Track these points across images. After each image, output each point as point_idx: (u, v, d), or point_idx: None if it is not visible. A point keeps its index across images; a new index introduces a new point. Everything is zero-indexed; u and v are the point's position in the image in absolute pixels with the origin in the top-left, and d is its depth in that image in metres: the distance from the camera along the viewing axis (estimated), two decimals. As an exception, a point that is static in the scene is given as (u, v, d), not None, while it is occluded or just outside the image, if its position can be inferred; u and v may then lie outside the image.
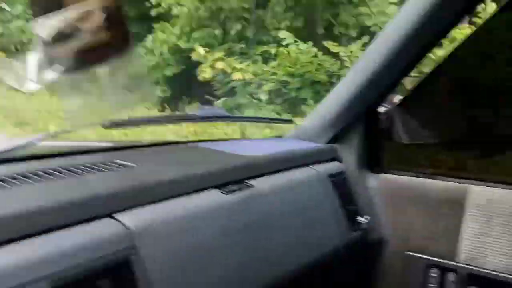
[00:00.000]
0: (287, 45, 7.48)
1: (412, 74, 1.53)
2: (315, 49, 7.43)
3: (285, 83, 7.56)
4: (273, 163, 1.41)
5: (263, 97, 7.69)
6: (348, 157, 1.64)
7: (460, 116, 1.60)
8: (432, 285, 1.50)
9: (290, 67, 7.48)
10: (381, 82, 1.48)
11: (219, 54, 7.82)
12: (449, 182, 1.51)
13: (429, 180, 1.54)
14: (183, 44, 9.09)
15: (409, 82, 1.58)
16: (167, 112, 8.67)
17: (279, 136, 1.76)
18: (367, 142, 1.63)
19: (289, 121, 1.80)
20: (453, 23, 1.33)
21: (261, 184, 1.30)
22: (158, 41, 9.42)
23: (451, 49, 1.50)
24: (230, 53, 8.47)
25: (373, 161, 1.66)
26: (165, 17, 9.52)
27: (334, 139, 1.64)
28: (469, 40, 1.44)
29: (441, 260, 1.49)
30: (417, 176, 1.58)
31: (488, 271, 1.41)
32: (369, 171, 1.66)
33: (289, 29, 8.23)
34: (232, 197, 1.18)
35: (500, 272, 1.39)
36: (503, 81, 1.54)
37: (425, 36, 1.34)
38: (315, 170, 1.50)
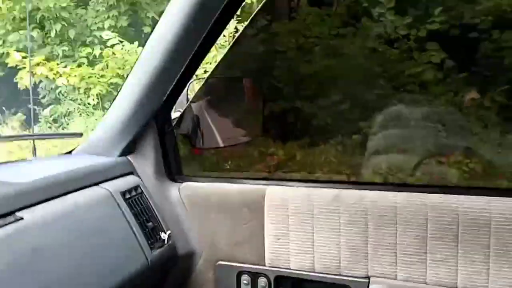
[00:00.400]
0: (112, 46, 7.11)
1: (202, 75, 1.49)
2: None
3: (115, 85, 7.21)
4: (54, 186, 1.25)
5: (92, 101, 7.24)
6: (145, 168, 1.53)
7: (254, 116, 1.60)
8: None
9: (119, 68, 7.15)
10: (163, 86, 1.39)
11: (39, 58, 7.11)
12: (249, 185, 1.50)
13: (229, 185, 1.51)
14: (2, 48, 8.11)
15: (199, 85, 1.52)
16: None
17: (69, 152, 1.57)
18: (162, 150, 1.54)
19: (79, 135, 1.62)
20: (224, 20, 1.29)
21: (34, 214, 1.14)
22: None
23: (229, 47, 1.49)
24: (52, 56, 7.82)
25: (171, 170, 1.57)
26: None
27: (128, 151, 1.52)
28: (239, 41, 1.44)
29: (251, 266, 1.48)
30: (218, 182, 1.55)
31: (294, 271, 1.43)
32: (169, 180, 1.57)
33: (113, 28, 7.86)
34: None
35: (304, 271, 1.42)
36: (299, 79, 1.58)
37: (198, 34, 1.28)
38: (105, 188, 1.36)
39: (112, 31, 7.49)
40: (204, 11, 1.22)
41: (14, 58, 6.82)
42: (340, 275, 1.38)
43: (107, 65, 7.27)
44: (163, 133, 1.53)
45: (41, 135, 2.06)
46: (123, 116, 1.43)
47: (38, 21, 8.15)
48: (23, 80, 6.99)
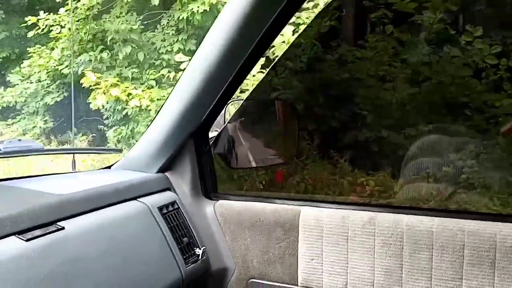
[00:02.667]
0: (184, 69, 6.97)
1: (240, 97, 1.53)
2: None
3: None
4: (94, 198, 1.30)
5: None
6: (181, 185, 1.57)
7: (289, 139, 1.62)
8: None
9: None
10: (203, 106, 1.44)
11: (114, 79, 7.14)
12: (283, 205, 1.51)
13: (264, 204, 1.53)
14: (67, 69, 8.21)
15: (236, 106, 1.56)
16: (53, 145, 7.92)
17: (108, 167, 1.63)
18: (200, 168, 1.58)
19: (118, 151, 1.68)
20: (263, 45, 1.33)
21: (75, 224, 1.19)
22: (37, 66, 8.47)
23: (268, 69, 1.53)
24: (120, 79, 7.74)
25: (207, 188, 1.61)
26: (43, 39, 8.59)
27: (165, 168, 1.57)
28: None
29: (283, 285, 1.49)
30: (252, 201, 1.56)
31: None
32: (204, 198, 1.60)
33: (182, 51, 7.66)
34: (34, 244, 1.06)
35: None
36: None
37: (239, 57, 1.32)
38: (143, 203, 1.40)
39: (183, 54, 7.40)
40: (245, 35, 1.27)
41: (89, 79, 6.85)
42: None
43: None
44: (200, 152, 1.57)
45: (82, 150, 2.14)
46: (162, 134, 1.48)
47: (107, 43, 8.17)
48: (96, 101, 6.97)
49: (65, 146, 7.89)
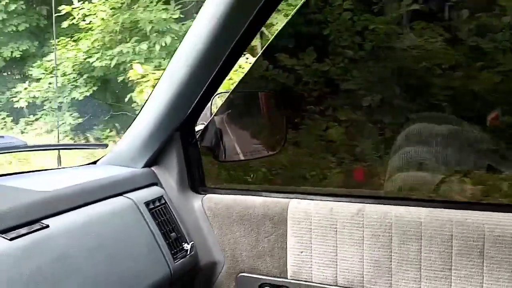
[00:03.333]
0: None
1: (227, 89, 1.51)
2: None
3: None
4: (79, 195, 1.28)
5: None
6: (168, 179, 1.55)
7: (277, 130, 1.61)
8: None
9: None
10: (189, 99, 1.42)
11: (160, 73, 6.66)
12: (271, 198, 1.50)
13: (252, 197, 1.52)
14: (99, 62, 7.59)
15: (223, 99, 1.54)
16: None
17: (94, 163, 1.60)
18: (187, 162, 1.56)
19: (104, 146, 1.65)
20: (250, 35, 1.31)
21: (60, 222, 1.17)
22: (65, 60, 7.90)
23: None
24: (160, 70, 7.04)
25: (195, 182, 1.59)
26: (69, 31, 7.96)
27: (152, 163, 1.54)
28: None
29: (273, 278, 1.48)
30: (241, 194, 1.55)
31: (316, 284, 1.42)
32: (192, 192, 1.59)
33: None
34: (18, 243, 1.04)
35: (326, 284, 1.41)
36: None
37: (223, 49, 1.31)
38: (130, 198, 1.38)
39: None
40: (230, 26, 1.25)
41: (136, 72, 6.14)
42: None
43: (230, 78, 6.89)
44: (187, 146, 1.55)
45: (66, 145, 2.11)
46: (148, 128, 1.46)
47: (144, 34, 7.57)
48: (142, 95, 6.18)
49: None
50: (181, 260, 1.43)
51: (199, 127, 1.56)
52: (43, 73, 8.25)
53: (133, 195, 1.40)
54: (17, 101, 8.13)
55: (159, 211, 1.44)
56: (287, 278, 1.46)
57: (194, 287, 1.56)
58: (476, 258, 1.23)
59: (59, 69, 8.09)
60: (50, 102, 8.23)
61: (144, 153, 1.52)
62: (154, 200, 1.45)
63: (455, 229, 1.25)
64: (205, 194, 1.58)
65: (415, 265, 1.30)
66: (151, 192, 1.48)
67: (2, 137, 1.35)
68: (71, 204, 1.23)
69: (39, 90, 8.11)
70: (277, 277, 1.48)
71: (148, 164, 1.54)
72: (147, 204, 1.41)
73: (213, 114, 1.53)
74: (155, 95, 1.41)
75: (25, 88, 8.16)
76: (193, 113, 1.47)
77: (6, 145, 1.34)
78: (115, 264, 1.22)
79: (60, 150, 1.71)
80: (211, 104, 1.51)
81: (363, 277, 1.36)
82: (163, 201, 1.48)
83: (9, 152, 1.43)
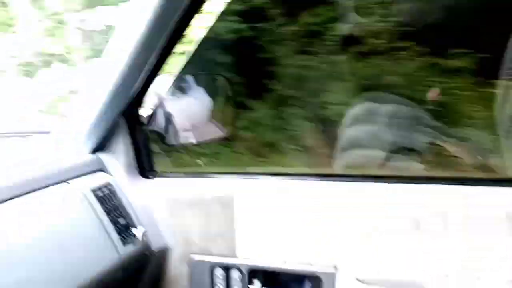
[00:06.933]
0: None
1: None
2: None
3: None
4: (22, 184, 1.24)
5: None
6: (116, 165, 1.53)
7: (226, 113, 1.61)
8: (220, 285, 1.50)
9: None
10: (130, 82, 1.39)
11: None
12: (220, 179, 1.51)
13: (201, 180, 1.52)
14: None
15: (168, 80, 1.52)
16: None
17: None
18: (134, 147, 1.54)
19: (46, 133, 1.60)
20: (190, 14, 1.30)
21: (1, 212, 1.13)
22: None
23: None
24: None
25: (143, 167, 1.58)
26: None
27: (98, 148, 1.52)
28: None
29: (223, 260, 1.50)
30: (190, 177, 1.55)
31: (266, 264, 1.45)
32: (141, 177, 1.57)
33: None
34: None
35: (276, 264, 1.44)
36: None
37: (164, 29, 1.28)
38: (74, 185, 1.36)
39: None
40: (170, 6, 1.23)
41: None
42: (311, 266, 1.40)
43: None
44: (133, 130, 1.53)
45: (7, 133, 2.03)
46: (92, 113, 1.42)
47: None
48: None
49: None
50: (131, 245, 1.42)
51: (147, 112, 1.54)
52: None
53: (78, 181, 1.38)
54: None
55: (106, 197, 1.42)
56: (237, 258, 1.48)
57: (146, 272, 1.56)
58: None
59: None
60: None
61: (89, 139, 1.48)
62: (101, 187, 1.42)
63: (398, 204, 1.30)
64: (154, 178, 1.56)
65: (365, 237, 1.34)
66: (98, 179, 1.45)
67: None
68: (13, 193, 1.19)
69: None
70: (228, 257, 1.50)
71: (94, 150, 1.51)
72: (93, 190, 1.38)
73: (159, 97, 1.51)
74: (97, 80, 1.38)
75: None
76: (137, 96, 1.44)
77: None
78: (62, 253, 1.20)
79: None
80: (157, 88, 1.49)
81: (311, 253, 1.40)
82: (111, 187, 1.46)
83: None
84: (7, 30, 7.87)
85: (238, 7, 2.50)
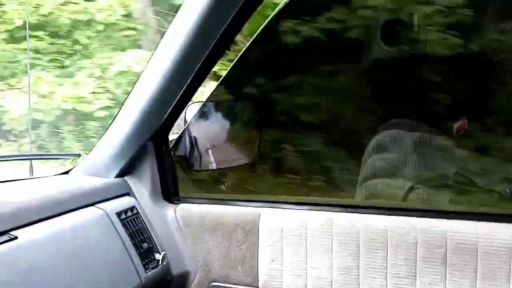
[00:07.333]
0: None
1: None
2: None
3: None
4: (50, 206, 1.26)
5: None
6: (141, 189, 1.54)
7: (250, 139, 1.63)
8: None
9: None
10: (161, 108, 1.42)
11: None
12: (244, 208, 1.52)
13: (225, 207, 1.52)
14: None
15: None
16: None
17: (66, 173, 1.58)
18: (160, 172, 1.56)
19: (77, 156, 1.64)
20: (223, 45, 1.33)
21: (29, 233, 1.15)
22: None
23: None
24: None
25: (168, 192, 1.59)
26: None
27: (125, 172, 1.54)
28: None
29: (244, 287, 1.49)
30: (214, 204, 1.56)
31: None
32: (165, 202, 1.58)
33: None
34: None
35: None
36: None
37: (197, 58, 1.32)
38: (101, 209, 1.37)
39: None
40: (203, 35, 1.26)
41: None
42: None
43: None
44: (160, 155, 1.55)
45: (38, 156, 2.07)
46: (121, 137, 1.45)
47: None
48: None
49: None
50: (153, 270, 1.42)
51: (173, 137, 1.56)
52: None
53: (104, 205, 1.39)
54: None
55: (131, 221, 1.43)
56: (258, 287, 1.47)
57: None
58: (439, 265, 1.27)
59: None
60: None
61: (117, 162, 1.51)
62: (126, 210, 1.44)
63: (419, 237, 1.29)
64: (178, 204, 1.57)
65: (381, 272, 1.33)
66: (123, 202, 1.47)
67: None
68: (41, 215, 1.21)
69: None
70: (249, 285, 1.48)
71: (120, 174, 1.53)
72: (118, 214, 1.40)
73: (187, 123, 1.54)
74: (128, 104, 1.41)
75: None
76: (166, 122, 1.47)
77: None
78: (85, 275, 1.21)
79: (33, 160, 1.68)
80: (185, 114, 1.51)
81: (331, 285, 1.38)
82: (135, 211, 1.47)
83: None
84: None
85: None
